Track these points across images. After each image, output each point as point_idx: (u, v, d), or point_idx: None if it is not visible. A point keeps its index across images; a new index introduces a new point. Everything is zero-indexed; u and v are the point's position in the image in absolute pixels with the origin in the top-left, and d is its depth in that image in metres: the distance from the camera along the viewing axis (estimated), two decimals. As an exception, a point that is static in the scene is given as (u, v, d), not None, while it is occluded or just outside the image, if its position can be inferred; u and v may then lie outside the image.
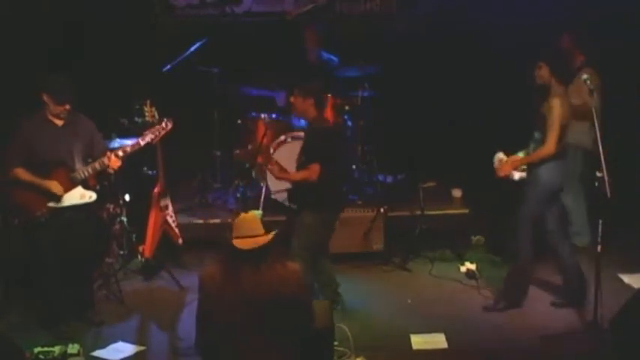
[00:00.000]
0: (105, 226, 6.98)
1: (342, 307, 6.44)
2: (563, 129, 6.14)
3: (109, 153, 6.25)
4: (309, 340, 4.57)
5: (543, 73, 6.20)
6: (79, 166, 6.16)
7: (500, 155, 6.46)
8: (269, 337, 4.39)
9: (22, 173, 6.06)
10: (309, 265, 6.16)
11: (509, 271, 6.52)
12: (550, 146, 6.10)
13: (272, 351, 4.41)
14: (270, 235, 4.52)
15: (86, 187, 6.19)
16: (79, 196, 6.16)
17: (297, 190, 6.42)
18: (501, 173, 6.37)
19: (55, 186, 6.05)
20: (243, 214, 4.59)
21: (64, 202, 6.11)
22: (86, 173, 6.16)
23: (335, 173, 6.32)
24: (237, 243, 4.45)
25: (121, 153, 6.28)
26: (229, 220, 4.47)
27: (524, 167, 6.36)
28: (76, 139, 6.18)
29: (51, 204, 6.07)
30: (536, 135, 6.26)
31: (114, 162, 6.20)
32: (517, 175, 6.36)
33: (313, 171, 6.16)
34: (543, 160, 6.17)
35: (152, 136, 6.52)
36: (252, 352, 4.39)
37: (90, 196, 6.20)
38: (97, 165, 6.18)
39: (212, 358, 4.53)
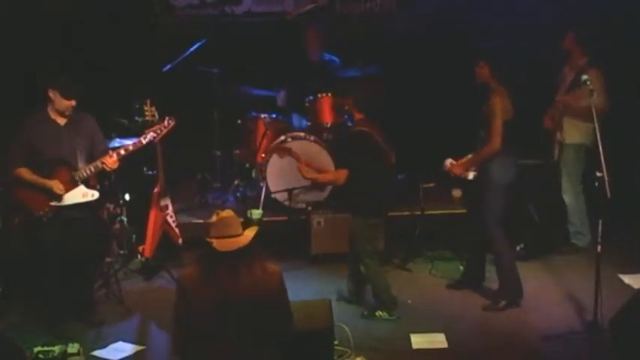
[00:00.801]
0: (105, 226, 6.98)
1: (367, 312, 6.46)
2: (507, 125, 6.27)
3: (110, 152, 6.26)
4: (291, 341, 4.53)
5: (484, 72, 6.39)
6: (81, 164, 6.17)
7: (450, 160, 6.59)
8: (246, 339, 4.35)
9: (25, 173, 6.07)
10: (379, 267, 6.42)
11: (498, 274, 6.56)
12: (495, 143, 6.25)
13: (250, 352, 4.36)
14: (249, 236, 4.47)
15: (88, 186, 6.20)
16: (81, 194, 6.16)
17: (339, 192, 6.60)
18: (453, 173, 6.53)
19: (56, 185, 6.06)
20: (222, 213, 4.51)
21: (66, 201, 6.11)
22: (88, 172, 6.16)
23: (371, 177, 6.36)
24: (216, 244, 4.40)
25: (122, 152, 6.29)
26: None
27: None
28: (78, 137, 6.19)
29: (53, 203, 6.08)
30: (482, 134, 6.39)
31: (111, 162, 6.19)
32: (471, 175, 6.48)
33: (340, 175, 6.31)
34: (492, 158, 6.29)
35: (154, 135, 6.52)
36: (229, 353, 4.34)
37: (92, 194, 6.21)
38: (98, 164, 6.18)
39: (191, 358, 4.48)
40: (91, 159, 6.21)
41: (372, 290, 6.46)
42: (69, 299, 6.23)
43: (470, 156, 6.51)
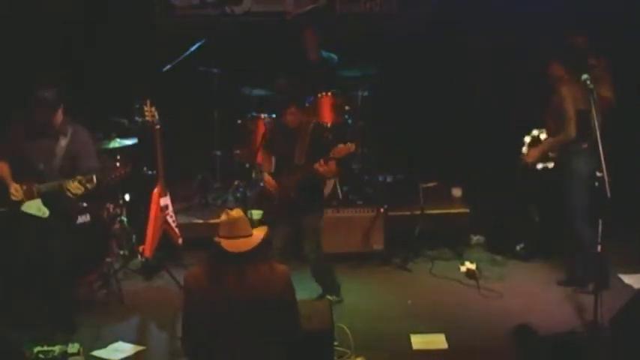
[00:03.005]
0: (104, 226, 6.97)
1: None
2: (581, 115, 6.34)
3: (79, 177, 5.99)
4: (297, 341, 4.53)
5: (553, 68, 6.56)
6: (53, 176, 6.06)
7: (528, 139, 6.76)
8: (253, 338, 4.36)
9: (2, 167, 6.09)
10: (324, 261, 6.53)
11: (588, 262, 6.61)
12: (569, 130, 6.39)
13: (256, 352, 4.37)
14: (259, 236, 4.48)
15: (48, 202, 6.07)
16: (36, 208, 6.09)
17: (304, 193, 6.45)
18: (529, 159, 6.69)
19: (15, 190, 6.04)
20: (230, 213, 4.52)
21: (22, 208, 6.07)
22: (48, 188, 6.04)
23: None
24: (226, 244, 4.41)
25: (85, 181, 6.00)
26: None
27: (550, 157, 6.63)
28: (60, 149, 6.11)
29: (11, 203, 6.05)
30: (551, 124, 6.60)
31: (74, 187, 5.97)
32: (540, 165, 6.63)
33: (332, 167, 6.37)
34: (566, 145, 6.44)
35: (108, 179, 6.24)
36: (237, 352, 4.35)
37: (44, 212, 6.10)
38: (56, 184, 6.02)
39: (198, 357, 4.50)
40: (72, 173, 6.04)
41: (324, 280, 6.61)
42: (34, 306, 6.17)
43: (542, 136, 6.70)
